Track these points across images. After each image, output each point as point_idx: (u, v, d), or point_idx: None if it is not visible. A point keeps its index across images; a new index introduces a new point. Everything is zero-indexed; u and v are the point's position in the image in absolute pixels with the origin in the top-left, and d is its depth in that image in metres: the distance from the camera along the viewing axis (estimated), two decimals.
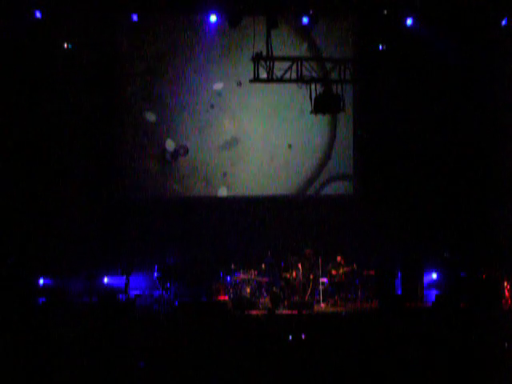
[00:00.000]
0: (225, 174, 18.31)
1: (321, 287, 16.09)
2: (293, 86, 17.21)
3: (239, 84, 17.67)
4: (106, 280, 16.92)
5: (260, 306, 15.50)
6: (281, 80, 15.10)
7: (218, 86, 18.18)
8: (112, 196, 18.02)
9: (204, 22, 17.42)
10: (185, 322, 12.80)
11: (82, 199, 17.50)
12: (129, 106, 18.07)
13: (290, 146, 18.38)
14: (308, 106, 15.03)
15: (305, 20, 17.09)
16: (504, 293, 15.35)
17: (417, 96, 17.77)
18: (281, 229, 17.98)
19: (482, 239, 17.28)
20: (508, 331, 11.14)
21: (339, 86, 14.93)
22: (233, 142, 18.30)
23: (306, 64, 15.18)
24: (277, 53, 15.15)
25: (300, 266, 15.95)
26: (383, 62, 17.38)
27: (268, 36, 14.85)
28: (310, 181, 18.54)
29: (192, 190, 18.30)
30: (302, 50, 18.04)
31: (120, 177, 18.12)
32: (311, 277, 15.92)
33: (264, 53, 14.79)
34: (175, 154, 17.99)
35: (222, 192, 18.39)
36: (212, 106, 18.16)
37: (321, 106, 14.85)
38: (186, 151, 17.94)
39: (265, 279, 16.27)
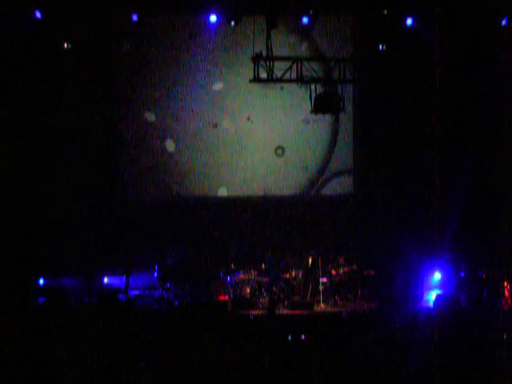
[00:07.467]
0: (225, 174, 18.31)
1: (321, 287, 16.08)
2: (293, 86, 17.20)
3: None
4: (106, 280, 16.90)
5: (260, 305, 15.50)
6: (281, 80, 15.12)
7: (218, 85, 18.18)
8: (112, 196, 18.01)
9: (204, 22, 17.41)
10: (185, 322, 12.82)
11: (82, 199, 17.49)
12: (129, 105, 18.07)
13: (290, 146, 18.39)
14: (308, 106, 15.03)
15: (305, 20, 17.06)
16: (504, 293, 15.35)
17: (417, 96, 17.75)
18: (281, 229, 17.98)
19: (483, 239, 17.26)
20: (508, 331, 11.15)
21: (339, 86, 14.94)
22: (233, 142, 18.30)
23: (306, 64, 15.19)
24: (277, 53, 15.15)
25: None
26: (383, 61, 17.37)
27: (268, 36, 14.85)
28: (311, 181, 18.53)
29: (192, 190, 18.30)
30: (301, 50, 18.05)
31: (120, 177, 18.13)
32: (313, 277, 15.93)
33: (264, 53, 14.79)
34: None
35: (222, 192, 18.39)
36: (212, 106, 18.15)
37: (321, 105, 14.88)
38: None
39: (265, 279, 16.26)
